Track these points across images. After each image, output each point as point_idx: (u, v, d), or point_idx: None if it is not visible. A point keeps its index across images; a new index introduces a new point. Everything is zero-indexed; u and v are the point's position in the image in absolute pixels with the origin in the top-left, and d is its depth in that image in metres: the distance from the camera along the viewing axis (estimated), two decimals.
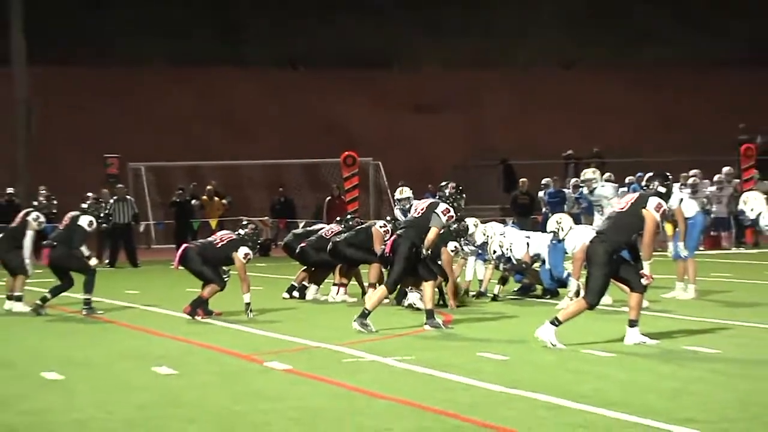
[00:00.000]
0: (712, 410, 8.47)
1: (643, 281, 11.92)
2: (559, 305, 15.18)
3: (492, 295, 17.07)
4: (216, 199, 33.76)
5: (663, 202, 12.10)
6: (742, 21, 49.66)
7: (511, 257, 16.71)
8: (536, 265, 17.07)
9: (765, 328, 13.32)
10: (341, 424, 8.28)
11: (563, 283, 16.56)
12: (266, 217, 34.61)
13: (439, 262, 15.85)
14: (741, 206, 13.83)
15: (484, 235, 17.07)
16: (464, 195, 14.37)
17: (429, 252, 13.72)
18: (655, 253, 12.46)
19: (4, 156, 37.73)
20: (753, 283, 19.87)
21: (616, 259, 11.90)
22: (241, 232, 15.67)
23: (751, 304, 15.97)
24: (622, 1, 50.60)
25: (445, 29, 48.72)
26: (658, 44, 49.54)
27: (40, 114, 36.89)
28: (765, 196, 13.94)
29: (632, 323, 11.97)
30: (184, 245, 16.10)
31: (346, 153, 32.20)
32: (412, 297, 15.70)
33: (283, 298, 18.01)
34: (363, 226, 17.61)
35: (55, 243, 16.33)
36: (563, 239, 15.97)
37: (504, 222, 22.61)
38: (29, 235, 16.76)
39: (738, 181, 31.44)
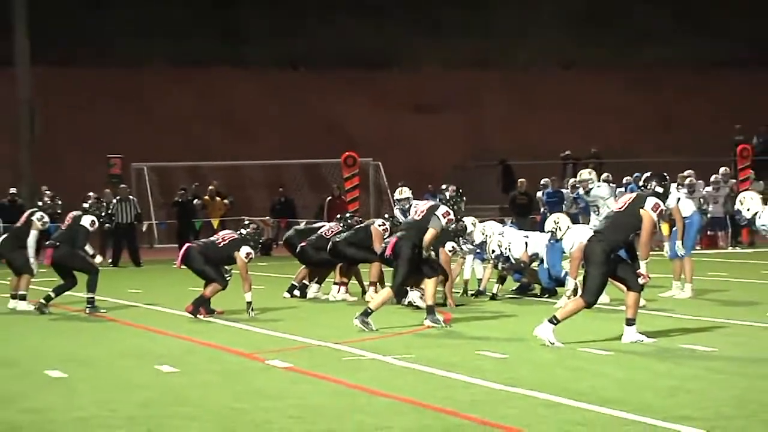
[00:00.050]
0: (708, 408, 8.51)
1: (641, 281, 12.01)
2: (557, 304, 15.27)
3: (491, 294, 17.15)
4: (218, 199, 33.86)
5: (660, 203, 12.18)
6: (742, 21, 49.60)
7: (510, 257, 16.78)
8: (534, 264, 17.15)
9: (761, 326, 13.37)
10: (342, 422, 8.32)
11: (561, 283, 16.64)
12: (267, 217, 34.68)
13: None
14: (737, 206, 13.89)
15: (483, 234, 17.16)
16: (464, 198, 14.52)
17: (431, 253, 13.87)
18: (651, 253, 12.52)
19: (7, 156, 37.79)
20: (749, 282, 19.94)
21: (614, 259, 11.99)
22: (243, 231, 15.76)
23: (748, 302, 16.03)
24: (622, 1, 50.57)
25: (445, 29, 48.71)
26: (658, 44, 49.49)
27: (41, 114, 36.93)
28: (761, 196, 14.03)
29: (629, 322, 12.05)
30: (187, 245, 16.20)
31: (347, 153, 32.29)
32: (413, 295, 15.77)
33: (284, 297, 18.09)
34: (362, 225, 17.68)
35: (57, 243, 16.44)
36: (561, 239, 16.07)
37: (503, 222, 22.67)
38: (33, 234, 16.86)
39: (735, 181, 31.51)
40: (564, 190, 30.29)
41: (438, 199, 14.26)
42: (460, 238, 16.80)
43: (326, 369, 10.65)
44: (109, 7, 45.94)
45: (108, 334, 14.23)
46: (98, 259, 17.06)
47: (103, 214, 17.20)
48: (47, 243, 16.66)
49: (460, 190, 14.83)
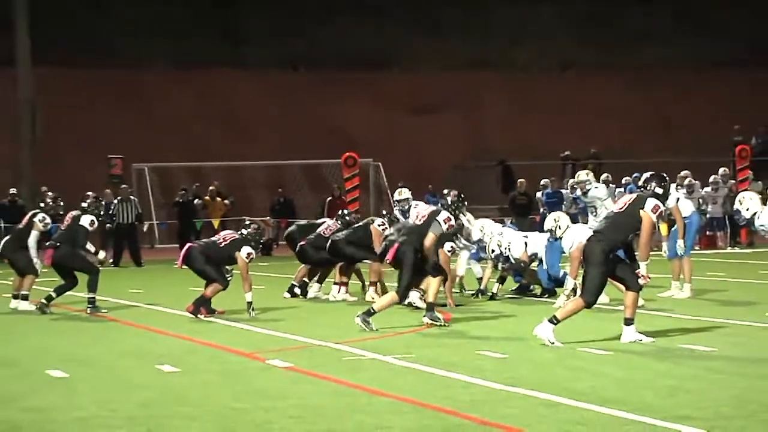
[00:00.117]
0: (707, 408, 8.52)
1: (640, 281, 12.03)
2: (556, 303, 15.30)
3: (490, 294, 17.18)
4: (218, 199, 33.89)
5: (660, 204, 12.21)
6: (742, 21, 49.59)
7: (510, 257, 16.81)
8: (534, 264, 17.18)
9: (760, 326, 13.39)
10: (342, 422, 8.34)
11: (560, 283, 16.65)
12: (268, 217, 34.71)
13: None
14: (736, 206, 13.91)
15: (481, 231, 17.19)
16: (466, 203, 14.59)
17: (435, 259, 13.96)
18: (650, 253, 12.55)
19: (7, 156, 37.81)
20: (748, 282, 19.96)
21: (612, 259, 12.02)
22: (244, 231, 15.80)
23: (747, 302, 16.06)
24: (622, 1, 50.57)
25: (444, 30, 48.72)
26: (658, 44, 49.47)
27: (42, 114, 36.96)
28: (759, 196, 14.05)
29: (628, 321, 12.08)
30: (188, 245, 16.24)
31: (347, 154, 32.32)
32: (413, 296, 15.78)
33: (284, 297, 18.11)
34: (360, 223, 17.72)
35: (58, 243, 16.48)
36: (560, 237, 16.07)
37: (502, 222, 22.70)
38: (33, 235, 16.91)
39: (733, 182, 31.53)
40: (563, 191, 30.32)
41: (439, 203, 14.31)
42: (457, 238, 16.83)
43: (326, 369, 10.68)
44: (110, 7, 45.95)
45: (109, 334, 14.26)
46: (101, 254, 17.10)
47: (102, 213, 17.23)
48: (47, 244, 16.70)
49: (462, 195, 14.90)
